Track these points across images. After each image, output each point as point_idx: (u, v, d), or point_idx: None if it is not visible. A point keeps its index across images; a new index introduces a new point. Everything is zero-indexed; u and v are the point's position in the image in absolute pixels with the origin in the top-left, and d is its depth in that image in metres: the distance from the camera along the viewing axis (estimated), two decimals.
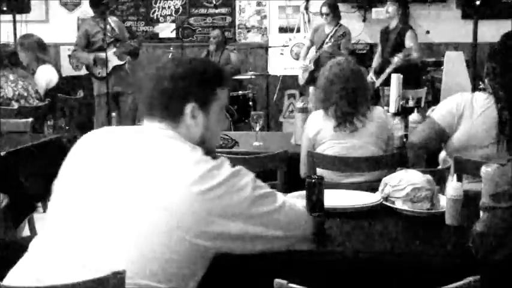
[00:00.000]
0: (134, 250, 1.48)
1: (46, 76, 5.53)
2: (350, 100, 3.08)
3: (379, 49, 6.55)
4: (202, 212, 1.49)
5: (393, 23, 6.29)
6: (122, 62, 6.45)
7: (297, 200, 1.88)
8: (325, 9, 6.50)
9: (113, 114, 6.62)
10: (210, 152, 1.64)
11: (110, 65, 6.31)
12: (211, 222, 1.50)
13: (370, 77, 6.00)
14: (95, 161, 1.63)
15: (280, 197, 1.67)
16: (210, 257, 1.58)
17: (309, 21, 7.44)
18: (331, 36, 6.40)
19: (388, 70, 5.97)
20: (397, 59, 5.93)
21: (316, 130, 3.16)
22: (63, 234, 1.56)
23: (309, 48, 6.72)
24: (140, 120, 1.73)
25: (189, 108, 1.65)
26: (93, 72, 6.51)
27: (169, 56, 7.16)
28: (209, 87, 1.70)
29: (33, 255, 1.58)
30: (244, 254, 1.60)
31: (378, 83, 6.08)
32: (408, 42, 6.12)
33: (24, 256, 1.60)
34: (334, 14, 6.51)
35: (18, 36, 6.48)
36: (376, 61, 6.50)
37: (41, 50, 5.71)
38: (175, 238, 1.48)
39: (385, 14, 6.37)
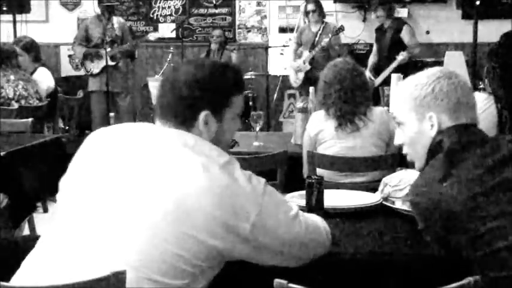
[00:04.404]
0: (146, 243, 1.46)
1: (45, 80, 5.49)
2: (348, 100, 3.10)
3: (374, 48, 6.57)
4: (211, 208, 1.46)
5: (387, 22, 6.32)
6: (113, 63, 6.43)
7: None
8: (311, 7, 6.43)
9: (111, 114, 6.62)
10: None
11: (102, 64, 6.32)
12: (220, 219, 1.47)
13: (369, 76, 5.99)
14: (106, 156, 1.61)
15: (295, 207, 1.62)
16: (222, 260, 1.54)
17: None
18: (321, 34, 6.38)
19: (390, 67, 6.00)
20: (401, 57, 5.97)
21: (317, 129, 3.18)
22: (73, 230, 1.54)
23: (295, 51, 6.70)
24: (153, 120, 1.69)
25: (202, 115, 1.61)
26: (86, 68, 6.53)
27: (188, 60, 7.13)
28: (224, 96, 1.66)
29: (42, 254, 1.56)
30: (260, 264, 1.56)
31: (377, 82, 6.09)
32: (407, 38, 6.16)
33: (32, 254, 1.58)
34: (320, 10, 6.47)
35: (18, 36, 6.48)
36: (371, 60, 6.51)
37: (37, 50, 5.66)
38: (184, 233, 1.45)
39: (376, 19, 6.46)
